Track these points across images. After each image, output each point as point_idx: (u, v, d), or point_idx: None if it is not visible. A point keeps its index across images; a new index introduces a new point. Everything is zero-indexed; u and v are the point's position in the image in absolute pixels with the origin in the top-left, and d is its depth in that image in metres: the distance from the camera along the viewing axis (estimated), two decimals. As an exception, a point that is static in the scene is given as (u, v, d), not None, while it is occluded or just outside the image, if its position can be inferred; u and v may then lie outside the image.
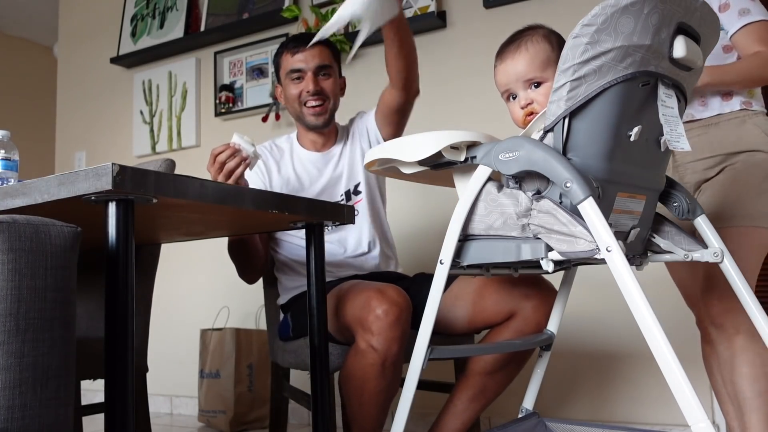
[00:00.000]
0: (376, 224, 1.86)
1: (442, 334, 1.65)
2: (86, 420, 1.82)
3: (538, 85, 1.21)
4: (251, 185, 1.71)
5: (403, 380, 1.21)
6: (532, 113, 1.21)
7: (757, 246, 1.53)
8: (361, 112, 1.94)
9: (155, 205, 1.06)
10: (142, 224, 1.29)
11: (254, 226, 1.52)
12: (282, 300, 1.82)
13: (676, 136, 1.08)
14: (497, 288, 1.60)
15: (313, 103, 1.78)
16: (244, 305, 2.80)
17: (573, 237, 1.02)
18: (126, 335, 0.99)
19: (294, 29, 2.83)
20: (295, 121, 1.88)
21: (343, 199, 1.82)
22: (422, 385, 1.45)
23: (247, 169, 1.52)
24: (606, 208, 1.09)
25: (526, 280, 1.59)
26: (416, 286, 1.69)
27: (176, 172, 1.74)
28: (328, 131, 1.86)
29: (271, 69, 2.88)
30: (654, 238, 1.27)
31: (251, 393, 2.55)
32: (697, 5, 1.08)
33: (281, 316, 1.82)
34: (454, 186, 1.24)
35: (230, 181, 1.48)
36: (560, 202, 1.05)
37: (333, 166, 1.85)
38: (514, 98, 1.25)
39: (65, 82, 3.60)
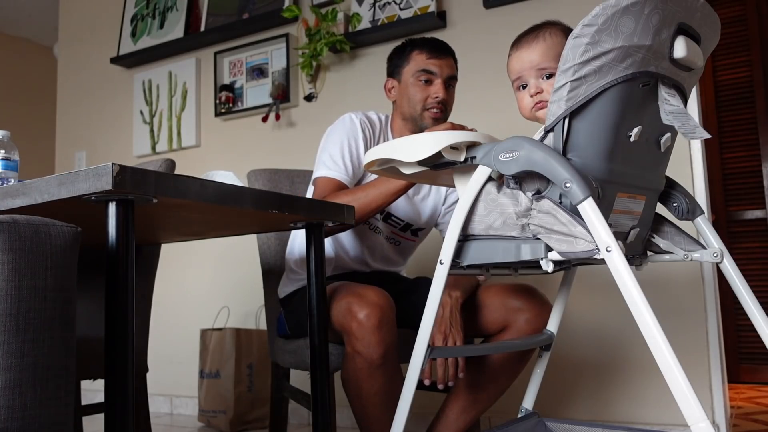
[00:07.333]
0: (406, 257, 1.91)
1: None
2: (86, 420, 1.82)
3: (550, 76, 1.21)
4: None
5: (402, 380, 1.21)
6: (540, 102, 1.21)
7: None
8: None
9: (155, 205, 1.06)
10: (142, 224, 1.29)
11: (254, 226, 1.52)
12: (282, 293, 1.80)
13: (691, 128, 1.06)
14: (493, 298, 1.61)
15: (436, 110, 1.73)
16: (244, 305, 2.80)
17: (573, 237, 1.02)
18: (126, 335, 0.99)
19: (294, 29, 2.83)
20: (403, 119, 1.79)
21: (399, 225, 1.79)
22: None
23: None
24: (606, 209, 1.09)
25: (521, 293, 1.59)
26: (421, 290, 1.69)
27: (176, 172, 1.74)
28: None
29: (272, 69, 2.88)
30: (654, 238, 1.27)
31: (251, 393, 2.55)
32: (698, 5, 1.08)
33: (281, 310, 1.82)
34: (454, 186, 1.24)
35: None
36: (560, 203, 1.05)
37: (416, 186, 1.79)
38: (524, 87, 1.25)
39: (65, 82, 3.60)
